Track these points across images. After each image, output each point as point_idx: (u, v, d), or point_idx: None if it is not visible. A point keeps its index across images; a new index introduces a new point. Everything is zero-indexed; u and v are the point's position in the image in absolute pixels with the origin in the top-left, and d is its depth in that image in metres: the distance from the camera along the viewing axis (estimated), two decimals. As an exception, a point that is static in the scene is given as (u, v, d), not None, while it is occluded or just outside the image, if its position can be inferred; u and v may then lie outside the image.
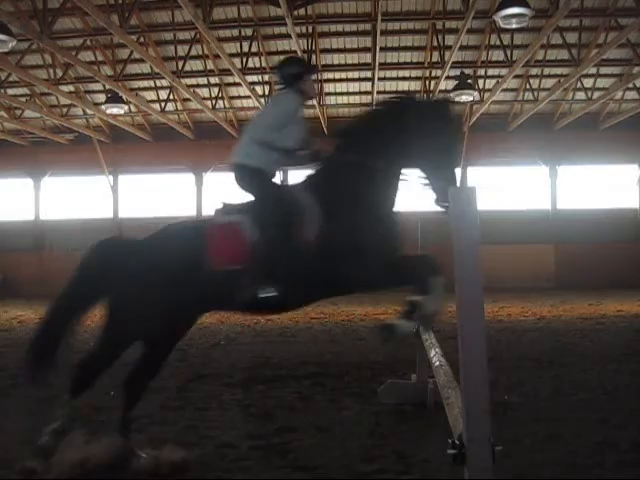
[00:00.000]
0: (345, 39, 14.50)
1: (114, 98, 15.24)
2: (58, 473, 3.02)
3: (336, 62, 15.25)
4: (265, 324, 9.65)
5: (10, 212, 19.43)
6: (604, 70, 15.35)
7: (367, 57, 14.67)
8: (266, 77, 15.79)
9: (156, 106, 16.36)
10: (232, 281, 3.31)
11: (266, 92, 16.21)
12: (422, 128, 3.45)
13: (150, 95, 16.65)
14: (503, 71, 14.57)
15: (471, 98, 15.35)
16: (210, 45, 13.30)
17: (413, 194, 3.65)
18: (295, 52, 13.14)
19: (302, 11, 12.50)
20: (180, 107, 17.53)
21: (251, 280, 3.29)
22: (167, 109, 16.76)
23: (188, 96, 15.46)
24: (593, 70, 14.95)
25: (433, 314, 3.26)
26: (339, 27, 14.03)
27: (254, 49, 14.00)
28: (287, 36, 12.83)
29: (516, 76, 15.06)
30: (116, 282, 3.42)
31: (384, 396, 4.50)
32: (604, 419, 3.85)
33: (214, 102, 16.32)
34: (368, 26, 13.66)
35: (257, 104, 15.70)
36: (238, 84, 15.38)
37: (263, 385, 5.16)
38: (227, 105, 17.20)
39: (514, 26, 10.86)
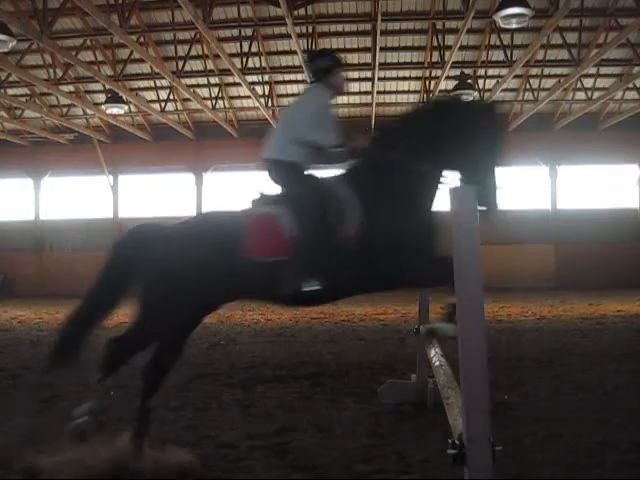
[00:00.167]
0: (345, 39, 14.50)
1: (114, 98, 15.24)
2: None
3: (336, 62, 15.22)
4: (265, 324, 9.65)
5: (10, 212, 19.43)
6: (604, 70, 15.36)
7: (367, 57, 14.67)
8: (266, 77, 15.80)
9: (156, 106, 16.36)
10: (271, 273, 3.31)
11: (266, 92, 16.22)
12: (465, 130, 3.42)
13: (150, 95, 16.66)
14: (503, 71, 14.57)
15: (471, 98, 15.34)
16: (210, 45, 13.30)
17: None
18: (295, 52, 13.17)
19: (302, 11, 12.50)
20: (180, 107, 17.54)
21: (295, 273, 3.29)
22: (167, 109, 16.77)
23: (188, 96, 15.46)
24: (593, 70, 14.95)
25: None
26: (339, 27, 14.03)
27: (254, 49, 14.01)
28: (287, 36, 12.84)
29: (516, 76, 15.06)
30: (149, 267, 3.42)
31: (384, 396, 4.50)
32: (604, 419, 3.84)
33: (214, 102, 16.33)
34: (368, 26, 13.67)
35: (257, 104, 15.71)
36: (238, 84, 15.38)
37: (263, 385, 5.16)
38: (227, 105, 17.20)
39: (514, 26, 10.86)
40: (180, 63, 13.90)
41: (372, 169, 3.56)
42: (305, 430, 3.83)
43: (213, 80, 15.95)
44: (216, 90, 16.32)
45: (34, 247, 19.03)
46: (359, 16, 13.43)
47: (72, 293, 16.80)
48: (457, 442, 1.83)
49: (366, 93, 16.60)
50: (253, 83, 15.54)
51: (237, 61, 13.71)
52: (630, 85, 15.14)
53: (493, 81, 15.65)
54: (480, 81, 15.65)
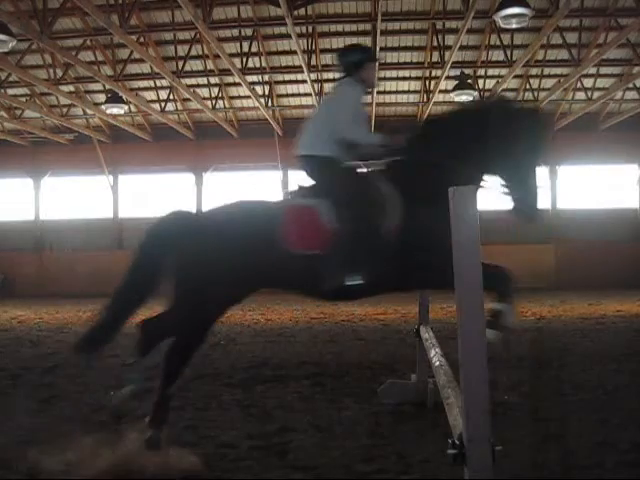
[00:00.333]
0: (345, 39, 14.46)
1: (114, 98, 15.24)
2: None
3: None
4: (265, 324, 9.65)
5: (10, 212, 19.42)
6: (604, 70, 15.35)
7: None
8: (266, 77, 15.80)
9: (156, 106, 16.36)
10: (310, 266, 3.32)
11: (266, 92, 16.22)
12: (508, 134, 3.41)
13: (150, 95, 16.66)
14: (503, 71, 14.58)
15: (471, 98, 15.34)
16: (210, 45, 13.30)
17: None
18: (295, 52, 13.16)
19: (302, 11, 12.51)
20: (180, 107, 17.54)
21: (338, 267, 3.29)
22: (167, 109, 16.77)
23: (188, 96, 15.46)
24: (593, 70, 14.95)
25: (512, 324, 3.28)
26: (339, 27, 14.03)
27: (254, 49, 14.00)
28: (287, 36, 12.83)
29: (516, 76, 15.06)
30: (184, 255, 3.43)
31: (384, 396, 4.50)
32: (604, 419, 3.84)
33: (214, 102, 16.33)
34: (368, 26, 13.66)
35: (257, 104, 15.71)
36: (238, 84, 15.38)
37: (263, 385, 5.16)
38: (227, 105, 17.20)
39: (514, 26, 10.86)
40: (180, 63, 13.90)
41: (413, 167, 3.55)
42: (305, 430, 3.83)
43: (213, 80, 15.95)
44: (216, 90, 16.33)
45: (34, 247, 19.02)
46: (359, 16, 13.42)
47: (72, 293, 16.87)
48: (457, 442, 1.82)
49: (366, 93, 16.58)
50: (253, 83, 15.53)
51: (237, 61, 13.71)
52: (630, 85, 15.14)
53: (493, 81, 15.65)
54: (480, 81, 15.64)
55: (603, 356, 6.14)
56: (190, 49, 13.81)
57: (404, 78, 16.34)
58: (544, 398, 4.51)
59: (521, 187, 3.47)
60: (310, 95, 15.69)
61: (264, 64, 14.96)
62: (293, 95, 17.24)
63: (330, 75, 15.98)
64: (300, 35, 13.07)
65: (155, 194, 19.07)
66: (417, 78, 16.30)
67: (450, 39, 13.08)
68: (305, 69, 13.61)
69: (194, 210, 3.86)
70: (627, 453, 3.22)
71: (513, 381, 5.01)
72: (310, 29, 13.73)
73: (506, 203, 3.54)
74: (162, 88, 16.25)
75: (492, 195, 3.54)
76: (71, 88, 15.92)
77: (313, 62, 14.44)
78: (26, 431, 3.72)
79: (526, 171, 3.47)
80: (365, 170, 3.78)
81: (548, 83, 15.88)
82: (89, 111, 16.65)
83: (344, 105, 3.75)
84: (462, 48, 13.30)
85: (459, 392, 2.07)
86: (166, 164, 18.80)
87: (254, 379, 5.40)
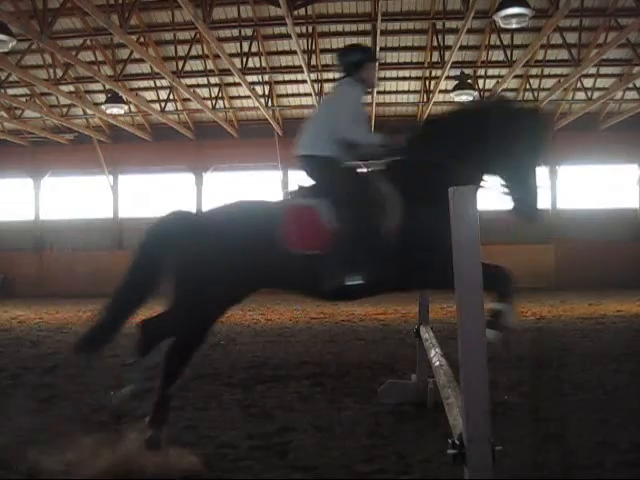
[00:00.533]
0: (345, 39, 14.46)
1: (114, 98, 15.24)
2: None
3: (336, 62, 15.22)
4: (265, 324, 9.65)
5: (10, 212, 19.43)
6: (604, 70, 15.36)
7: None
8: (266, 77, 15.80)
9: (156, 106, 16.36)
10: (310, 266, 3.32)
11: (266, 92, 16.23)
12: (508, 134, 3.41)
13: (150, 95, 16.66)
14: (503, 71, 14.58)
15: (471, 98, 15.34)
16: (210, 45, 13.30)
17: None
18: (295, 52, 13.16)
19: (302, 11, 12.51)
20: (180, 107, 17.54)
21: (338, 267, 3.29)
22: (167, 109, 16.77)
23: (188, 96, 15.46)
24: (593, 70, 14.95)
25: (512, 324, 3.29)
26: (339, 27, 14.03)
27: (254, 49, 14.01)
28: (287, 36, 12.83)
29: (516, 76, 15.06)
30: (184, 254, 3.44)
31: (384, 396, 4.49)
32: (604, 419, 3.84)
33: (214, 102, 16.33)
34: (368, 26, 13.66)
35: (257, 104, 15.71)
36: (238, 84, 15.38)
37: (263, 385, 5.16)
38: (227, 105, 17.20)
39: (514, 26, 10.87)
40: (180, 63, 13.91)
41: (413, 167, 3.55)
42: (305, 430, 3.83)
43: (213, 80, 15.95)
44: (216, 90, 16.33)
45: (34, 247, 19.02)
46: (359, 16, 13.42)
47: (72, 293, 16.86)
48: (457, 442, 1.82)
49: (366, 93, 16.57)
50: (253, 83, 15.54)
51: (237, 61, 13.71)
52: (630, 85, 15.14)
53: (493, 81, 15.65)
54: (480, 81, 15.65)
55: (603, 356, 6.14)
56: (190, 49, 13.81)
57: (404, 78, 16.34)
58: (544, 398, 4.51)
59: (521, 187, 3.47)
60: (310, 95, 15.69)
61: (264, 64, 14.96)
62: (293, 95, 17.24)
63: (330, 75, 15.99)
64: (300, 35, 13.07)
65: (155, 194, 19.08)
66: (417, 78, 16.30)
67: (450, 39, 13.08)
68: (305, 69, 13.61)
69: (194, 210, 3.86)
70: (627, 453, 3.22)
71: (513, 381, 5.01)
72: (310, 29, 13.73)
73: (506, 203, 3.54)
74: (162, 88, 16.25)
75: (492, 195, 3.54)
76: (71, 88, 15.92)
77: (313, 62, 14.44)
78: (26, 431, 3.72)
79: (526, 171, 3.47)
80: (365, 170, 3.78)
81: (548, 83, 15.88)
82: (89, 111, 16.65)
83: (344, 105, 3.75)
84: (462, 48, 13.30)
85: (459, 392, 2.07)
86: (166, 164, 18.80)
87: (254, 379, 5.40)
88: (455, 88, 14.80)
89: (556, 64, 14.72)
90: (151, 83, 16.19)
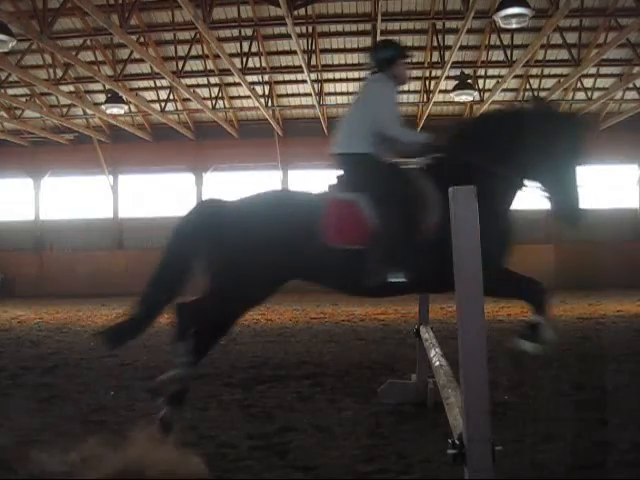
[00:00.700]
0: (345, 39, 14.50)
1: (114, 98, 15.24)
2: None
3: (336, 62, 15.25)
4: (265, 324, 9.65)
5: (10, 212, 19.43)
6: (604, 70, 15.36)
7: (367, 57, 14.65)
8: (266, 77, 15.80)
9: (156, 106, 16.36)
10: (351, 261, 3.31)
11: (266, 92, 16.22)
12: (547, 139, 3.43)
13: (150, 95, 16.66)
14: (503, 71, 14.57)
15: (471, 98, 15.36)
16: (210, 45, 13.30)
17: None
18: (295, 52, 13.16)
19: (302, 11, 12.50)
20: (180, 107, 17.54)
21: (380, 263, 3.28)
22: (167, 109, 16.77)
23: (188, 96, 15.46)
24: (593, 70, 14.95)
25: (551, 336, 3.32)
26: (339, 27, 14.03)
27: (254, 49, 14.00)
28: (287, 36, 12.83)
29: (516, 76, 15.06)
30: (219, 244, 3.42)
31: (384, 396, 4.49)
32: (604, 419, 3.84)
33: (214, 102, 16.33)
34: (368, 26, 13.66)
35: (257, 104, 15.71)
36: (238, 84, 15.38)
37: (263, 385, 5.16)
38: (227, 105, 17.20)
39: (514, 26, 10.86)
40: (180, 63, 13.90)
41: (453, 168, 3.54)
42: (305, 430, 3.83)
43: (213, 80, 15.95)
44: (216, 90, 16.33)
45: (34, 247, 19.03)
46: (359, 16, 13.42)
47: (72, 293, 16.84)
48: (457, 442, 1.82)
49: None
50: (253, 83, 15.53)
51: (237, 61, 13.71)
52: (630, 85, 15.14)
53: (493, 81, 15.65)
54: (480, 81, 15.65)
55: (603, 356, 6.13)
56: (190, 49, 13.80)
57: (404, 78, 16.32)
58: (544, 398, 4.51)
59: (562, 191, 3.51)
60: (310, 95, 15.69)
61: (264, 64, 14.96)
62: (293, 95, 17.24)
63: (330, 75, 16.02)
64: (300, 35, 13.07)
65: (155, 194, 19.09)
66: (417, 78, 16.28)
67: (450, 39, 13.07)
68: (305, 69, 13.60)
69: (224, 199, 3.79)
70: (627, 453, 3.22)
71: (513, 381, 5.01)
72: (310, 29, 13.73)
73: (549, 207, 3.56)
74: (162, 88, 16.25)
75: (533, 198, 3.56)
76: (71, 88, 15.92)
77: (313, 62, 14.44)
78: (26, 431, 3.71)
79: (566, 175, 3.51)
80: (405, 167, 3.77)
81: (548, 83, 15.88)
82: (89, 111, 16.65)
83: (383, 101, 3.74)
84: (462, 48, 13.30)
85: (459, 392, 2.07)
86: (166, 164, 18.80)
87: (254, 379, 5.40)
88: (455, 88, 14.80)
89: (556, 64, 14.72)
90: (151, 83, 16.18)
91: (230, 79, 15.62)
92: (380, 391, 4.54)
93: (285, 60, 15.25)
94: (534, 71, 15.58)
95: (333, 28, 14.08)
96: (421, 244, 3.34)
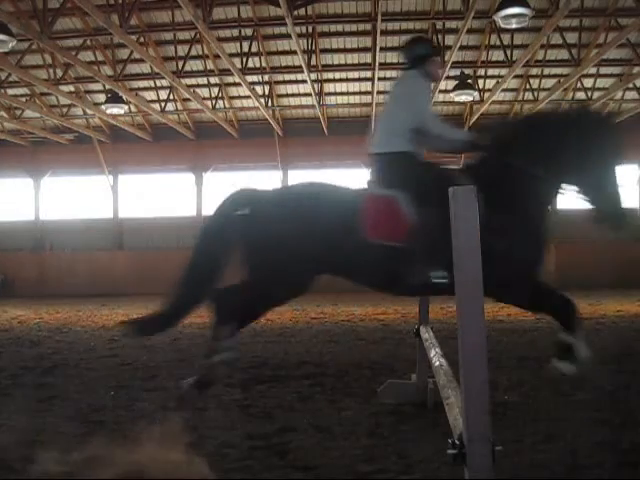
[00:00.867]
0: (345, 39, 14.50)
1: (114, 98, 15.25)
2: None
3: (336, 62, 15.25)
4: (265, 324, 9.65)
5: (10, 212, 19.44)
6: (604, 70, 15.36)
7: (367, 57, 14.68)
8: (266, 77, 15.80)
9: (156, 106, 16.36)
10: (391, 258, 3.30)
11: (266, 92, 16.22)
12: (586, 144, 3.44)
13: (150, 95, 16.66)
14: (503, 71, 14.58)
15: (471, 98, 15.36)
16: (210, 45, 13.30)
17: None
18: (295, 52, 13.16)
19: (302, 11, 12.50)
20: (180, 107, 17.54)
21: (420, 263, 3.27)
22: (167, 109, 16.77)
23: (188, 96, 15.47)
24: (593, 70, 14.95)
25: (586, 355, 3.34)
26: (339, 27, 14.04)
27: (254, 49, 14.01)
28: (287, 36, 12.83)
29: (516, 76, 15.06)
30: (257, 236, 3.43)
31: (384, 396, 4.49)
32: (604, 419, 3.84)
33: (214, 102, 16.33)
34: (368, 26, 13.67)
35: (257, 104, 15.71)
36: (238, 84, 15.38)
37: (263, 385, 5.16)
38: (227, 105, 17.21)
39: (514, 26, 10.86)
40: (180, 63, 13.91)
41: (494, 168, 3.54)
42: (305, 430, 3.83)
43: (213, 80, 15.95)
44: (216, 90, 16.33)
45: (34, 247, 19.03)
46: (359, 16, 13.43)
47: (72, 293, 16.81)
48: (457, 442, 1.82)
49: (366, 93, 16.60)
50: (253, 83, 15.54)
51: (237, 61, 13.72)
52: (630, 85, 15.14)
53: (493, 81, 15.65)
54: (480, 81, 15.65)
55: (603, 356, 6.13)
56: (190, 49, 13.81)
57: (404, 78, 16.32)
58: (544, 398, 4.51)
59: (603, 194, 3.53)
60: (310, 95, 15.69)
61: (264, 64, 14.96)
62: (293, 95, 17.24)
63: (330, 75, 16.03)
64: (300, 35, 13.07)
65: (155, 194, 19.09)
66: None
67: (450, 39, 13.07)
68: (305, 69, 13.60)
69: (257, 188, 3.80)
70: (627, 453, 3.22)
71: (513, 381, 5.01)
72: (310, 29, 13.73)
73: (590, 214, 3.57)
74: (162, 88, 16.25)
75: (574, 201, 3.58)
76: (71, 88, 15.92)
77: (313, 62, 14.44)
78: (26, 431, 3.71)
79: (607, 178, 3.51)
80: (445, 167, 3.76)
81: (548, 83, 15.87)
82: (89, 111, 16.66)
83: (420, 96, 3.74)
84: (462, 48, 13.30)
85: (459, 392, 2.07)
86: (166, 164, 18.81)
87: (254, 379, 5.39)
88: (455, 88, 14.80)
89: (556, 64, 14.72)
90: (151, 83, 16.19)
91: (230, 79, 15.63)
92: (380, 391, 4.54)
93: (285, 60, 15.25)
94: (534, 71, 15.58)
95: (333, 28, 14.08)
96: None
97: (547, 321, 9.44)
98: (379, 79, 14.70)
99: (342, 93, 17.07)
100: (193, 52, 14.09)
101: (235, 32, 13.63)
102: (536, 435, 3.55)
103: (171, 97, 16.52)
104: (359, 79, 16.26)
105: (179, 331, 7.67)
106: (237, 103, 17.56)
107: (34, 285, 17.91)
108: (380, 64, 13.79)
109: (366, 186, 3.74)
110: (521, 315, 10.03)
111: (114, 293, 16.56)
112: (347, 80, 16.40)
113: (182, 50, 13.82)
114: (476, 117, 16.77)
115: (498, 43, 13.69)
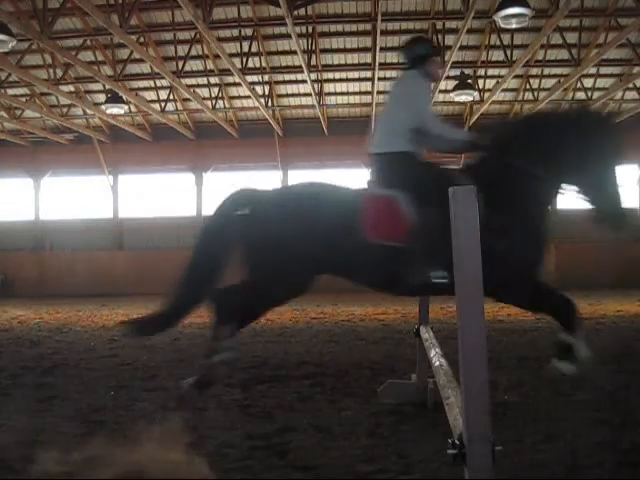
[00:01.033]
0: (345, 39, 14.50)
1: (114, 98, 15.25)
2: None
3: (336, 62, 15.25)
4: (265, 324, 9.65)
5: (10, 212, 19.43)
6: (604, 70, 15.36)
7: (367, 57, 14.68)
8: (266, 77, 15.80)
9: (156, 106, 16.36)
10: (391, 258, 3.31)
11: (266, 92, 16.22)
12: (586, 145, 3.44)
13: (150, 95, 16.66)
14: (503, 71, 14.58)
15: (471, 98, 15.36)
16: (210, 45, 13.30)
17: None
18: (295, 52, 13.16)
19: (302, 11, 12.50)
20: (180, 107, 17.54)
21: (420, 263, 3.27)
22: (167, 109, 16.77)
23: (188, 96, 15.47)
24: (593, 70, 14.95)
25: (587, 355, 3.34)
26: (339, 27, 14.04)
27: (254, 49, 14.01)
28: (287, 36, 12.83)
29: (516, 76, 15.06)
30: (257, 236, 3.44)
31: (384, 396, 4.49)
32: (604, 419, 3.84)
33: (214, 102, 16.34)
34: (368, 26, 13.67)
35: (257, 104, 15.71)
36: (238, 84, 15.39)
37: (263, 385, 5.16)
38: (227, 105, 17.21)
39: (514, 26, 10.86)
40: (180, 63, 13.91)
41: (494, 168, 3.54)
42: (305, 430, 3.83)
43: (213, 80, 15.95)
44: (216, 90, 16.33)
45: (34, 247, 19.03)
46: (359, 16, 13.43)
47: (72, 293, 16.81)
48: (457, 442, 1.82)
49: (366, 93, 16.60)
50: (253, 83, 15.54)
51: (237, 61, 13.72)
52: (630, 85, 15.14)
53: (493, 81, 15.65)
54: (480, 81, 15.65)
55: (603, 356, 6.13)
56: (190, 49, 13.81)
57: (404, 78, 16.32)
58: (544, 398, 4.51)
59: (604, 194, 3.53)
60: (310, 95, 15.69)
61: (264, 64, 14.96)
62: (293, 95, 17.24)
63: (330, 75, 16.02)
64: (300, 35, 13.07)
65: (155, 194, 19.09)
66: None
67: (450, 39, 13.07)
68: (305, 69, 13.61)
69: (257, 188, 3.81)
70: (627, 453, 3.22)
71: (513, 381, 5.01)
72: (310, 29, 13.73)
73: (590, 213, 3.58)
74: (162, 88, 16.25)
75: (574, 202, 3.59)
76: (71, 88, 15.92)
77: (313, 62, 14.44)
78: (26, 431, 3.71)
79: (607, 178, 3.51)
80: (445, 167, 3.76)
81: (548, 83, 15.87)
82: (89, 111, 16.65)
83: (420, 96, 3.74)
84: (462, 48, 13.30)
85: (459, 392, 2.07)
86: (166, 164, 18.81)
87: (254, 379, 5.39)
88: (455, 88, 14.80)
89: (556, 64, 14.72)
90: (151, 83, 16.19)
91: (230, 79, 15.63)
92: (380, 391, 4.54)
93: (285, 60, 15.25)
94: (534, 71, 15.58)
95: (333, 28, 14.08)
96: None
97: (547, 321, 9.44)
98: (379, 79, 14.69)
99: (342, 93, 17.07)
100: (193, 52, 14.09)
101: (235, 32, 13.64)
102: (536, 435, 3.55)
103: (171, 97, 16.52)
104: (359, 79, 16.26)
105: (179, 331, 7.67)
106: (237, 103, 17.56)
107: (34, 285, 17.91)
108: (380, 64, 13.78)
109: (366, 186, 3.74)
110: (521, 315, 10.03)
111: (114, 293, 16.56)
112: (347, 80, 16.40)
113: (182, 50, 13.82)
114: (476, 117, 16.77)
115: (498, 43, 13.69)
